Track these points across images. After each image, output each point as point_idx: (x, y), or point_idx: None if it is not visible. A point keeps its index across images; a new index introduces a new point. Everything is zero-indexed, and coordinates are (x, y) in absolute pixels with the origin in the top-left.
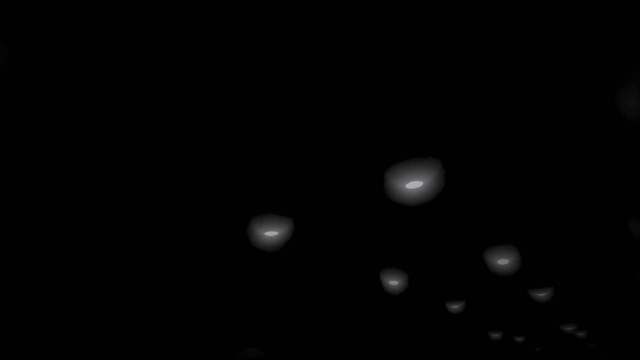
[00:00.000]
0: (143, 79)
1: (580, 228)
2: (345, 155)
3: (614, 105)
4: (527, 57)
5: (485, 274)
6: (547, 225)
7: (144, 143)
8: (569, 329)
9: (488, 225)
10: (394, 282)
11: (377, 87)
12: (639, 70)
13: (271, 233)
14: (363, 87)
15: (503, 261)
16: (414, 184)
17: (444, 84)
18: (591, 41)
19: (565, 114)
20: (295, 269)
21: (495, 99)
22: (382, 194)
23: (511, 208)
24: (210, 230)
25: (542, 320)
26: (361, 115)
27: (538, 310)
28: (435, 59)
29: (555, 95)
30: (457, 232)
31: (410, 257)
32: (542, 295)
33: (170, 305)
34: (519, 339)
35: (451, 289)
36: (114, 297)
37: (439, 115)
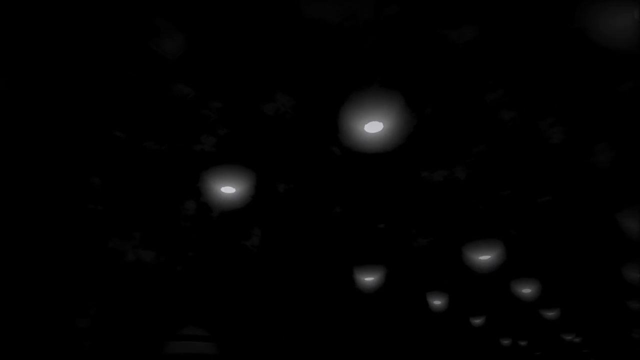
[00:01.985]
0: None
1: (567, 221)
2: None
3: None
4: None
5: (466, 267)
6: (533, 217)
7: None
8: (550, 313)
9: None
10: (369, 278)
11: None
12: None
13: (228, 189)
14: None
15: (484, 257)
16: (373, 126)
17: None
18: None
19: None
20: (262, 256)
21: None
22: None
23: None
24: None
25: (528, 315)
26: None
27: (523, 305)
28: None
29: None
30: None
31: (385, 246)
32: (527, 291)
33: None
34: (506, 342)
35: (431, 283)
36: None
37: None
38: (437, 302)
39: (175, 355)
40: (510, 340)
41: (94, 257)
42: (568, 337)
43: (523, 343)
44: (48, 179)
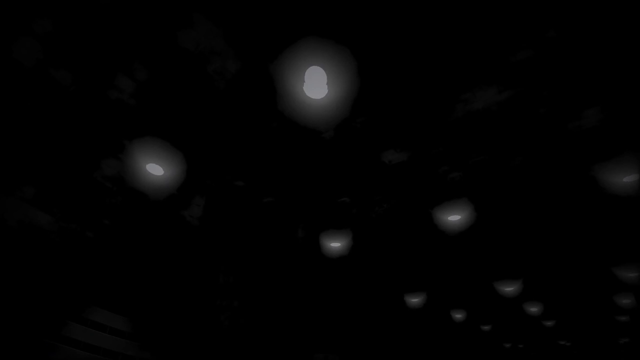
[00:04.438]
0: None
1: (551, 215)
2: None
3: None
4: None
5: (448, 261)
6: (515, 212)
7: None
8: (533, 309)
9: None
10: (335, 244)
11: None
12: None
13: (157, 171)
14: None
15: (454, 217)
16: (316, 90)
17: None
18: None
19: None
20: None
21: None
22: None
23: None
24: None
25: (512, 313)
26: None
27: (507, 304)
28: None
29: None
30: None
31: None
32: (510, 289)
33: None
34: (486, 328)
35: (409, 278)
36: None
37: None
38: (414, 299)
39: (76, 342)
40: (490, 327)
41: None
42: (547, 323)
43: (507, 343)
44: None
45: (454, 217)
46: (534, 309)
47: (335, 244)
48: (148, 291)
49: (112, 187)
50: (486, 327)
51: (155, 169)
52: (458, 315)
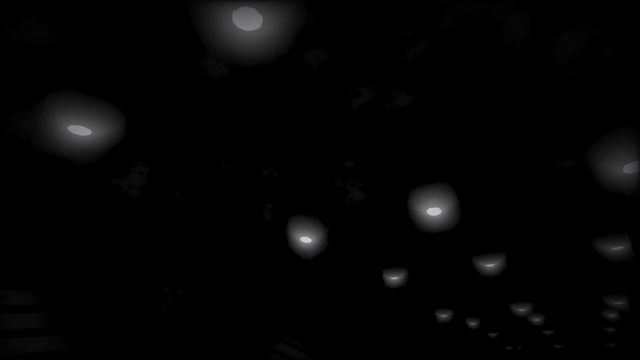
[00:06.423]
0: None
1: (535, 198)
2: None
3: None
4: None
5: (428, 242)
6: (499, 195)
7: None
8: (522, 310)
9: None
10: (306, 239)
11: None
12: None
13: (82, 131)
14: None
15: (434, 211)
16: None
17: None
18: None
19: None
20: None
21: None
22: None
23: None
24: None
25: (495, 300)
26: None
27: (490, 289)
28: None
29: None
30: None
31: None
32: (490, 266)
33: None
34: (473, 323)
35: (390, 260)
36: None
37: None
38: (393, 278)
39: None
40: (477, 322)
41: None
42: (522, 311)
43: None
44: None
45: (434, 211)
46: (521, 310)
47: (305, 239)
48: (68, 270)
49: (26, 143)
50: (473, 323)
51: (81, 129)
52: (443, 316)
